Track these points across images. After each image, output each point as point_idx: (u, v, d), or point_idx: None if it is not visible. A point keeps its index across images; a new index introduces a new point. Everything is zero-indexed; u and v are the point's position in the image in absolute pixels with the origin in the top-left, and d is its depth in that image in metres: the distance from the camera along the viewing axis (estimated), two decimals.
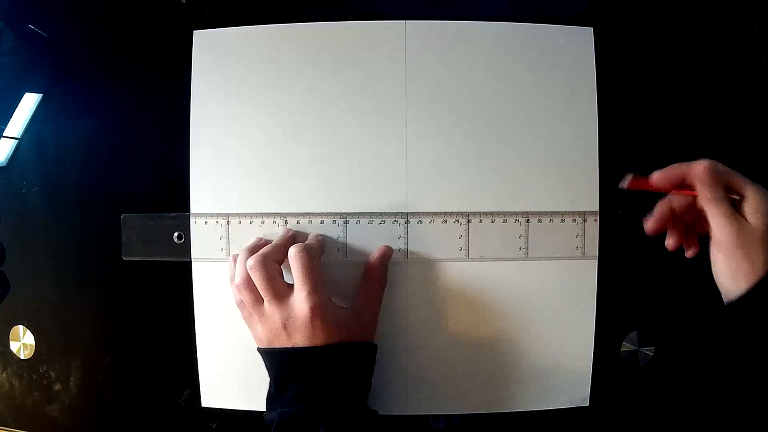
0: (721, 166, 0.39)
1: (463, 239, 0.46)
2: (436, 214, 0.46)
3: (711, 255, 0.39)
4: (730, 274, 0.38)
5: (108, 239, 0.48)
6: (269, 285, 0.40)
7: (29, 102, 0.50)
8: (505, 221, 0.46)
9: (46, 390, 0.50)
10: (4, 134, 0.50)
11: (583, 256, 0.46)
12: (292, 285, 0.40)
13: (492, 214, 0.46)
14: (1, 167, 0.50)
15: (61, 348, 0.50)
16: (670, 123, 0.47)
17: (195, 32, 0.47)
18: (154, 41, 0.48)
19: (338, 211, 0.46)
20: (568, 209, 0.46)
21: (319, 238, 0.45)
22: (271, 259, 0.41)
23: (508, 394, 0.47)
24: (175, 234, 0.47)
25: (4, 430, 0.51)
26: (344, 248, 0.46)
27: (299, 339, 0.39)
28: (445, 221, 0.45)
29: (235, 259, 0.43)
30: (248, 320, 0.43)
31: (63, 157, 0.49)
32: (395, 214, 0.46)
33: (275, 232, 0.46)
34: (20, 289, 0.50)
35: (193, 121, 0.47)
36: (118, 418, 0.50)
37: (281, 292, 0.40)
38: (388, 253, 0.45)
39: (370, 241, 0.45)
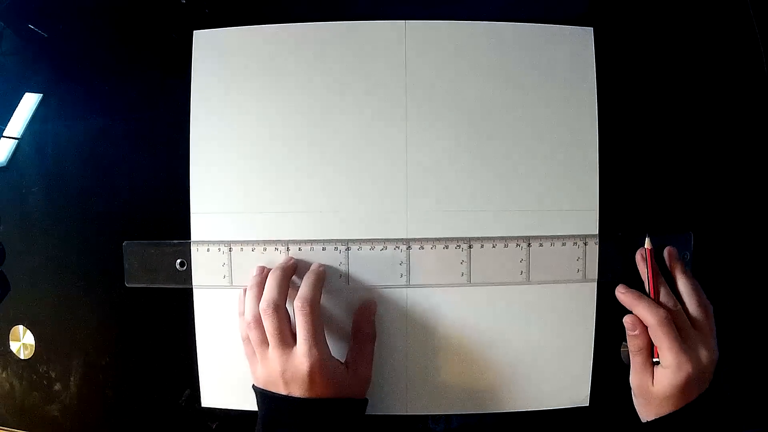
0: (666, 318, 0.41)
1: (464, 264, 0.46)
2: (437, 240, 0.46)
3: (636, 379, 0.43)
4: (648, 408, 0.43)
5: (108, 239, 0.48)
6: (277, 332, 0.41)
7: (29, 102, 0.50)
8: (506, 246, 0.46)
9: (46, 390, 0.50)
10: (4, 134, 0.50)
11: (584, 279, 0.46)
12: (296, 336, 0.41)
13: (493, 239, 0.46)
14: (1, 167, 0.50)
15: (61, 348, 0.50)
16: (670, 123, 0.47)
17: (195, 32, 0.47)
18: (154, 41, 0.48)
19: (340, 236, 0.46)
20: (569, 208, 0.46)
21: (321, 268, 0.45)
22: (283, 305, 0.42)
23: (508, 394, 0.47)
24: (178, 261, 0.47)
25: (4, 430, 0.51)
26: (346, 275, 0.46)
27: (295, 389, 0.41)
28: (447, 247, 0.45)
29: (244, 293, 0.44)
30: (250, 358, 0.44)
31: (63, 157, 0.49)
32: (397, 241, 0.46)
33: (277, 259, 0.46)
34: (20, 289, 0.50)
35: (193, 121, 0.47)
36: (118, 418, 0.50)
37: (286, 341, 0.41)
38: (372, 307, 0.45)
39: (373, 267, 0.46)
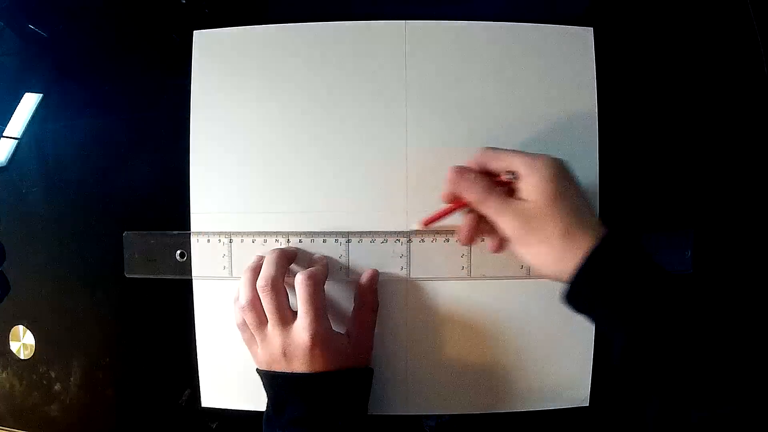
0: (480, 157, 0.39)
1: (465, 258, 0.46)
2: (438, 233, 0.45)
3: (516, 255, 0.38)
4: (545, 260, 0.37)
5: (108, 239, 0.48)
6: (277, 309, 0.40)
7: (29, 102, 0.50)
8: None
9: (46, 390, 0.50)
10: (4, 134, 0.50)
11: None
12: (296, 312, 0.41)
13: None
14: (1, 167, 0.50)
15: (61, 348, 0.50)
16: (670, 123, 0.47)
17: (195, 32, 0.47)
18: (154, 41, 0.48)
19: (340, 229, 0.46)
20: None
21: (324, 261, 0.45)
22: (281, 282, 0.41)
23: (508, 394, 0.47)
24: (178, 252, 0.47)
25: (4, 430, 0.51)
26: (347, 267, 0.46)
27: (298, 365, 0.40)
28: (447, 240, 0.45)
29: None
30: (249, 343, 0.43)
31: (63, 157, 0.49)
32: (397, 233, 0.46)
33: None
34: (20, 289, 0.50)
35: (193, 121, 0.47)
36: (118, 418, 0.50)
37: (286, 318, 0.41)
38: (375, 276, 0.45)
39: (373, 259, 0.46)
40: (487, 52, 0.46)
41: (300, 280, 0.40)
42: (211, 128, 0.47)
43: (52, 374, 0.50)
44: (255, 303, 0.41)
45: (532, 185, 0.36)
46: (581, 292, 0.36)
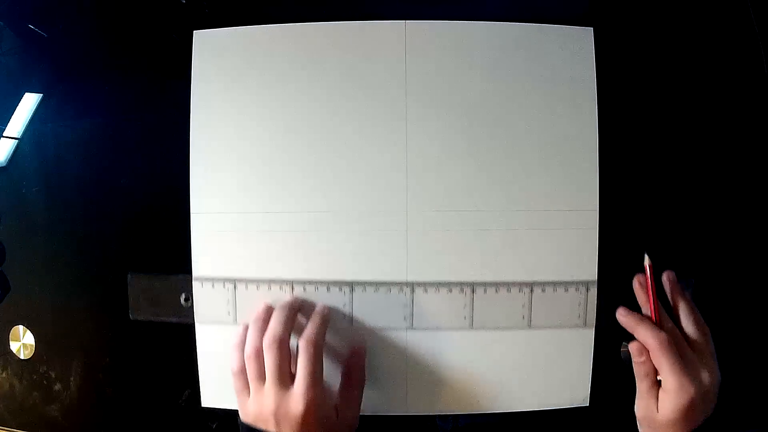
0: (637, 320, 0.43)
1: (467, 308, 0.46)
2: (440, 284, 0.46)
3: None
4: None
5: (108, 238, 0.48)
6: (277, 368, 0.41)
7: (29, 102, 0.50)
8: (509, 290, 0.46)
9: (46, 390, 0.50)
10: (4, 134, 0.50)
11: (584, 325, 0.46)
12: (294, 375, 0.41)
13: (497, 284, 0.46)
14: (1, 167, 0.50)
15: (61, 348, 0.50)
16: (671, 123, 0.47)
17: (195, 32, 0.47)
18: (154, 41, 0.48)
19: (344, 279, 0.46)
20: (569, 208, 0.46)
21: (326, 311, 0.45)
22: (287, 342, 0.42)
23: (508, 394, 0.47)
24: (182, 296, 0.47)
25: (4, 430, 0.51)
26: (350, 316, 0.46)
27: (286, 429, 0.40)
28: (450, 290, 0.46)
29: (246, 329, 0.43)
30: (239, 392, 0.43)
31: (63, 157, 0.49)
32: (401, 284, 0.46)
33: (281, 297, 0.46)
34: (20, 289, 0.50)
35: (193, 121, 0.47)
36: (118, 418, 0.50)
37: (285, 379, 0.41)
38: (362, 353, 0.45)
39: (376, 308, 0.46)
40: (487, 52, 0.46)
41: (302, 347, 0.41)
42: (212, 128, 0.47)
43: (52, 374, 0.50)
44: (259, 354, 0.41)
45: (668, 403, 0.40)
46: None
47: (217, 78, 0.47)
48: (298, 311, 0.45)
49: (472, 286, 0.46)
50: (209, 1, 0.48)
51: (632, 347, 0.42)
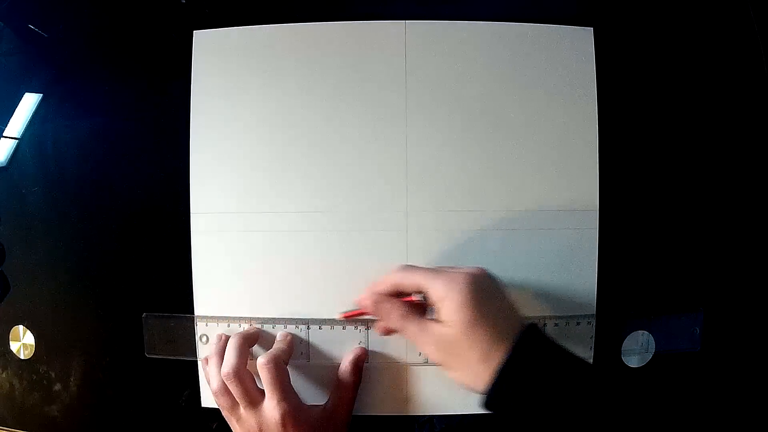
0: (395, 276, 0.40)
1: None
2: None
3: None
4: (465, 379, 0.37)
5: (107, 239, 0.48)
6: (244, 394, 0.41)
7: (29, 102, 0.50)
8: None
9: (46, 390, 0.50)
10: (4, 134, 0.50)
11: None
12: (263, 391, 0.42)
13: None
14: (1, 167, 0.50)
15: (61, 348, 0.50)
16: (671, 123, 0.47)
17: (195, 32, 0.47)
18: (154, 41, 0.48)
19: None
20: (568, 207, 0.46)
21: (289, 338, 0.46)
22: (243, 368, 0.42)
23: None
24: (199, 335, 0.47)
25: (4, 430, 0.51)
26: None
27: None
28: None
29: (206, 362, 0.44)
30: (228, 417, 0.44)
31: (63, 157, 0.49)
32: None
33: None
34: (20, 289, 0.50)
35: (193, 121, 0.47)
36: (118, 418, 0.50)
37: (255, 399, 0.42)
38: (362, 356, 0.46)
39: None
40: (487, 52, 0.46)
41: (260, 364, 0.41)
42: (212, 128, 0.47)
43: (52, 374, 0.50)
44: (225, 388, 0.42)
45: (448, 309, 0.37)
46: (498, 401, 0.36)
47: (217, 78, 0.47)
48: (254, 340, 0.45)
49: None
50: (209, 1, 0.48)
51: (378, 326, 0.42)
